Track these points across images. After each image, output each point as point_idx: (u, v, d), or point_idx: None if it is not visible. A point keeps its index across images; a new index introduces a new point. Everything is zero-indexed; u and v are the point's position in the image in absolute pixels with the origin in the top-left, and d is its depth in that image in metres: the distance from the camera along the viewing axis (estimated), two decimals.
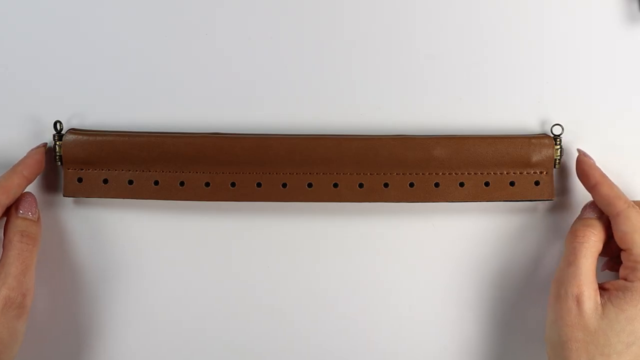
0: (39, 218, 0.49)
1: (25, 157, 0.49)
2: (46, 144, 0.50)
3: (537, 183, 0.49)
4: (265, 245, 0.51)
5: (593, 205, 0.48)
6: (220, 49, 0.50)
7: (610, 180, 0.47)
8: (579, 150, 0.49)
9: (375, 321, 0.51)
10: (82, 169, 0.49)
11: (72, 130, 0.49)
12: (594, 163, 0.48)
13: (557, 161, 0.49)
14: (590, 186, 0.47)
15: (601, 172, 0.48)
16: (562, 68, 0.50)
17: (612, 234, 0.47)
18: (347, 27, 0.50)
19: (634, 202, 0.47)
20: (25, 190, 0.49)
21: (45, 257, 0.50)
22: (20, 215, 0.48)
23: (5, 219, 0.48)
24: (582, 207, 0.49)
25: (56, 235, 0.51)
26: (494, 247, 0.50)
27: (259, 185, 0.49)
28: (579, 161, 0.48)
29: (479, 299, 0.51)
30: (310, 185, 0.49)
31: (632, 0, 0.50)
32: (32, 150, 0.49)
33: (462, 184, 0.49)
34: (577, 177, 0.49)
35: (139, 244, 0.51)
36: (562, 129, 0.49)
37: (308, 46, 0.50)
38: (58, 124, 0.49)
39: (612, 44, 0.50)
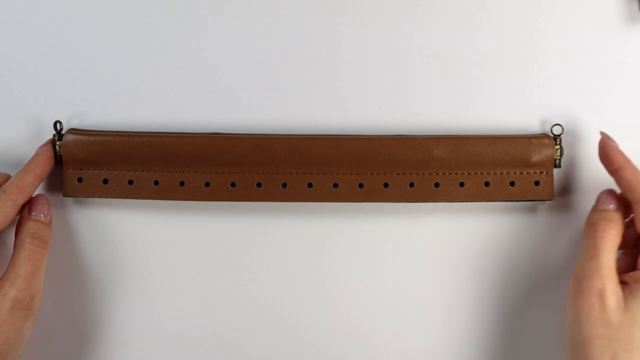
0: (50, 220, 0.49)
1: (35, 155, 0.49)
2: (52, 139, 0.50)
3: (537, 183, 0.49)
4: (265, 245, 0.51)
5: (610, 195, 0.46)
6: (220, 49, 0.50)
7: (634, 165, 0.45)
8: (601, 133, 0.47)
9: (375, 321, 0.51)
10: (82, 169, 0.49)
11: (72, 130, 0.49)
12: (617, 146, 0.46)
13: (557, 161, 0.49)
14: (613, 170, 0.46)
15: (624, 155, 0.46)
16: (562, 68, 0.50)
17: (627, 225, 0.46)
18: (347, 27, 0.50)
19: None
20: (38, 192, 0.49)
21: None
22: (32, 217, 0.48)
23: (17, 218, 0.48)
24: (596, 197, 0.47)
25: (56, 235, 0.50)
26: (494, 247, 0.50)
27: (259, 185, 0.49)
28: (602, 144, 0.47)
29: (479, 298, 0.51)
30: (310, 185, 0.49)
31: (632, 0, 0.50)
32: (40, 147, 0.49)
33: (462, 184, 0.49)
34: (576, 178, 0.49)
35: (139, 244, 0.51)
36: (562, 129, 0.49)
37: (308, 46, 0.50)
38: (58, 124, 0.49)
39: (612, 44, 0.50)
